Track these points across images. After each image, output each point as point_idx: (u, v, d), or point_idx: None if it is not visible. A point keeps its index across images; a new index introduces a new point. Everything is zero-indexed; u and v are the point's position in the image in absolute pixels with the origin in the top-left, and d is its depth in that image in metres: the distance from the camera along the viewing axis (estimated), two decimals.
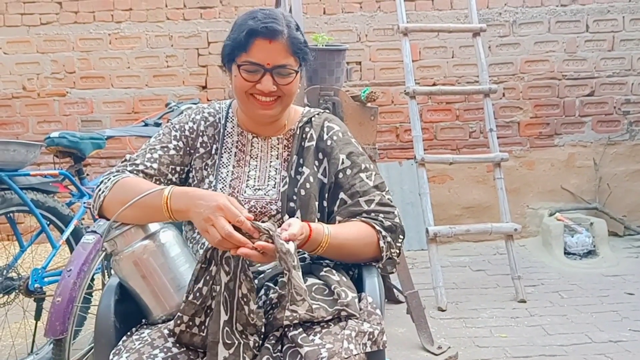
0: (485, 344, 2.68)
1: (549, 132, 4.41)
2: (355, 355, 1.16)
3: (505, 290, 3.33)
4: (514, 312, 3.04)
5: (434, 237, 3.25)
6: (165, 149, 1.40)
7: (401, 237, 1.40)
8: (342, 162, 1.41)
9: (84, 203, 2.53)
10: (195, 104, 2.88)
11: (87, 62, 4.30)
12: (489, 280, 3.56)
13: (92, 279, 2.38)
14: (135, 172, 1.36)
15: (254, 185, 1.40)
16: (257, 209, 1.37)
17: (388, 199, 1.41)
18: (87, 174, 2.84)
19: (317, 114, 1.48)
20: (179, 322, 1.20)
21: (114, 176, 1.34)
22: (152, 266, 1.27)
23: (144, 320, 1.34)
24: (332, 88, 2.69)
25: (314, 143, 1.42)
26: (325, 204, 1.40)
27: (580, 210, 4.29)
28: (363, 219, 1.37)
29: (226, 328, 1.17)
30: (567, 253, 3.92)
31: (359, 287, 1.37)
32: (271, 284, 1.32)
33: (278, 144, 1.44)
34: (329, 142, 1.43)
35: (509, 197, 3.56)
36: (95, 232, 1.96)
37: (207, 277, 1.20)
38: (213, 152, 1.43)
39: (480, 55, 3.60)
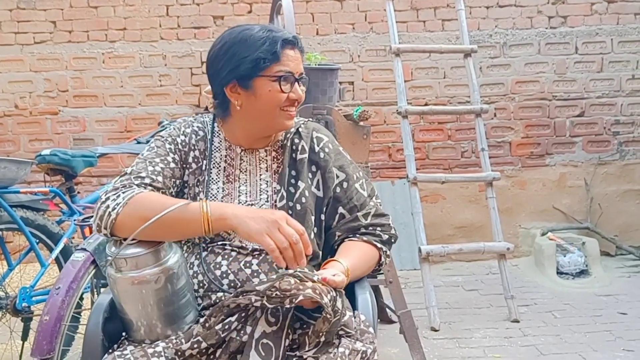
0: None
1: (540, 152, 4.44)
2: None
3: (499, 310, 3.31)
4: (508, 332, 3.02)
5: (427, 256, 3.23)
6: (166, 162, 1.36)
7: (393, 241, 1.44)
8: (337, 176, 1.41)
9: (74, 221, 2.51)
10: None
11: (80, 81, 4.30)
12: (482, 300, 3.54)
13: (81, 298, 2.34)
14: (142, 185, 1.29)
15: (246, 201, 1.38)
16: None
17: (379, 204, 1.44)
18: (78, 192, 2.83)
19: (303, 123, 1.47)
20: (195, 346, 1.15)
21: (123, 192, 1.26)
22: (154, 297, 1.20)
23: (124, 334, 1.30)
24: (325, 107, 2.69)
25: (306, 155, 1.41)
26: (322, 217, 1.40)
27: (572, 229, 4.30)
28: (365, 239, 1.39)
29: None
30: (559, 273, 3.92)
31: (351, 304, 1.35)
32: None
33: (266, 156, 1.42)
34: (321, 155, 1.42)
35: (501, 216, 3.57)
36: (84, 249, 1.93)
37: (243, 314, 1.16)
38: (203, 168, 1.40)
39: (471, 75, 3.63)
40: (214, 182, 1.39)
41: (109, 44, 4.31)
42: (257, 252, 1.34)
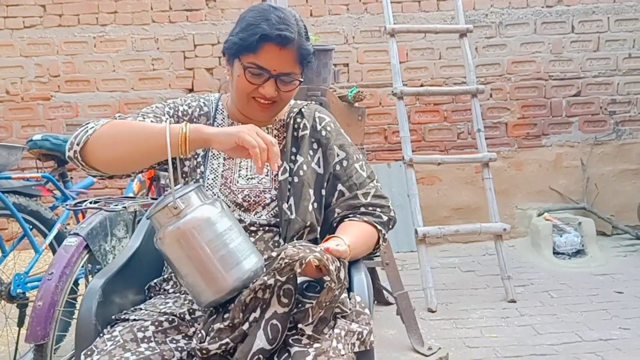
0: (475, 344, 2.66)
1: (537, 133, 4.43)
2: (343, 355, 1.14)
3: (495, 290, 3.32)
4: (504, 312, 3.03)
5: (423, 237, 3.23)
6: (158, 120, 1.36)
7: (392, 225, 1.46)
8: (338, 154, 1.43)
9: (67, 206, 2.48)
10: None
11: (71, 66, 4.25)
12: (478, 280, 3.55)
13: (77, 284, 2.33)
14: None
15: (247, 175, 1.39)
16: (251, 198, 1.36)
17: (379, 187, 1.45)
18: (71, 177, 2.80)
19: (306, 105, 1.49)
20: (222, 347, 1.12)
21: (104, 119, 1.30)
22: (198, 244, 1.14)
23: (113, 317, 1.30)
24: (320, 88, 2.67)
25: (307, 132, 1.43)
26: (323, 192, 1.41)
27: (568, 210, 4.30)
28: (365, 219, 1.39)
29: (259, 356, 1.11)
30: (556, 253, 3.93)
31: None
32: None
33: (268, 134, 1.42)
34: (323, 133, 1.44)
35: (498, 197, 3.56)
36: (77, 234, 1.91)
37: (261, 304, 1.14)
38: None
39: (467, 56, 3.60)
40: (215, 157, 1.40)
41: (100, 27, 4.25)
42: (254, 229, 1.34)
